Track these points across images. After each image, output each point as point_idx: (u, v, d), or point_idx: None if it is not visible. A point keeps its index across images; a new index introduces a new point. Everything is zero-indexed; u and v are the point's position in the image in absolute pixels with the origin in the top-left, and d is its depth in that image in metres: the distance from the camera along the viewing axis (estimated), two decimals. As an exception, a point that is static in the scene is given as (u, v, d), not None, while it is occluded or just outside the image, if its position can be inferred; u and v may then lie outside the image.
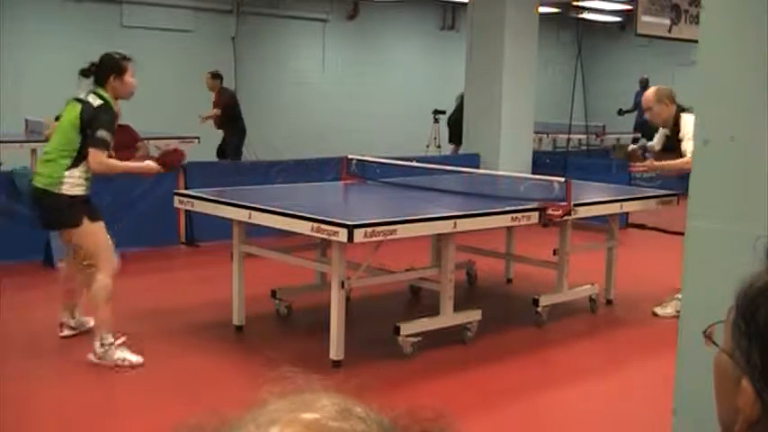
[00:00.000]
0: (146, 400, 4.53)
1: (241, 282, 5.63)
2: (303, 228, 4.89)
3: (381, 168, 7.09)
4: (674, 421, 2.79)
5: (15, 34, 11.92)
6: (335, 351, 4.91)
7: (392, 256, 5.67)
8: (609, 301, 6.64)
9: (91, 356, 4.94)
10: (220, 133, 11.40)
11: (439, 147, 13.46)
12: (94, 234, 4.99)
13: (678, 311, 7.12)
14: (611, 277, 6.63)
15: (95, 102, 4.92)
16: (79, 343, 5.33)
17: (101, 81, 5.02)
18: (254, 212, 5.23)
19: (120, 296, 6.75)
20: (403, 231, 4.87)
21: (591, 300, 6.42)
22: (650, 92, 6.47)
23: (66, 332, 5.35)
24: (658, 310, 6.38)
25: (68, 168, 4.88)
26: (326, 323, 4.96)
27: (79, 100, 4.97)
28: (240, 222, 5.53)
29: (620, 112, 15.79)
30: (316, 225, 4.76)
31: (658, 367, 4.11)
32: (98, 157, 4.84)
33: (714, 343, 0.96)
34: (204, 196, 5.76)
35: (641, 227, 9.58)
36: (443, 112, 13.49)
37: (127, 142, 8.56)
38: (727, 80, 2.65)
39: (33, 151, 9.92)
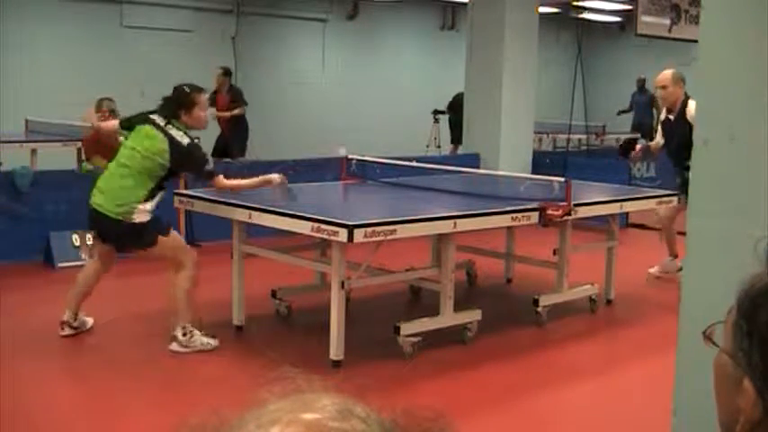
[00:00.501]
0: (146, 399, 4.53)
1: (241, 282, 5.63)
2: (303, 228, 4.89)
3: (381, 168, 7.09)
4: (674, 421, 2.79)
5: (15, 34, 11.92)
6: (335, 351, 4.91)
7: (392, 256, 5.67)
8: (609, 301, 6.64)
9: (174, 346, 5.09)
10: (218, 133, 11.38)
11: (439, 147, 13.47)
12: (169, 243, 5.12)
13: (665, 272, 7.44)
14: (611, 277, 6.63)
15: (183, 140, 5.00)
16: (79, 342, 5.33)
17: (173, 114, 5.06)
18: (254, 212, 5.24)
19: (121, 296, 6.77)
20: (403, 231, 4.87)
21: (591, 300, 6.42)
22: (668, 72, 6.82)
23: (67, 331, 5.35)
24: (651, 270, 7.22)
25: (144, 201, 4.97)
26: (326, 323, 4.96)
27: (159, 128, 5.01)
28: (240, 222, 5.53)
29: (619, 113, 15.85)
30: (316, 225, 4.76)
31: (658, 367, 4.11)
32: (219, 184, 5.20)
33: (714, 343, 0.96)
34: (204, 196, 5.76)
35: (641, 227, 9.58)
36: (443, 112, 13.50)
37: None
38: (727, 80, 2.65)
39: (33, 151, 9.94)
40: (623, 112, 15.81)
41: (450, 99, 13.07)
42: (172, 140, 4.96)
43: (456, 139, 12.53)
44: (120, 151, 5.18)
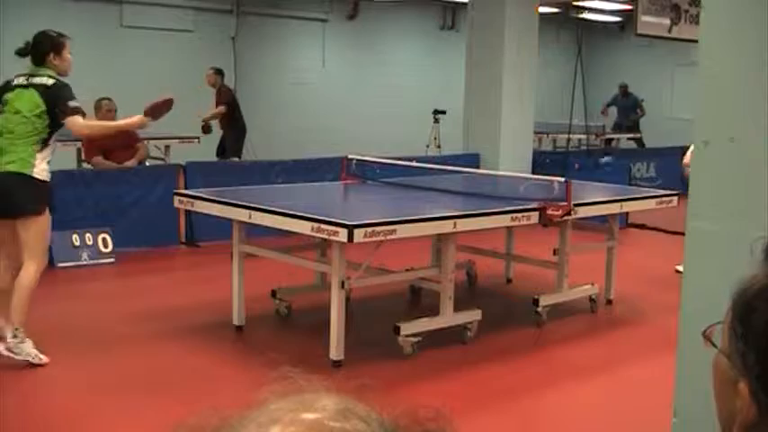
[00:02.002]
0: (146, 399, 4.53)
1: (241, 282, 5.63)
2: (303, 228, 4.89)
3: (381, 168, 7.10)
4: (674, 421, 2.80)
5: (15, 34, 11.90)
6: (335, 351, 4.91)
7: (392, 256, 5.67)
8: (609, 301, 6.64)
9: (1, 347, 4.83)
10: (220, 133, 11.38)
11: (439, 147, 13.46)
12: (43, 226, 4.90)
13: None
14: (611, 277, 6.63)
15: (48, 81, 4.84)
16: (77, 343, 5.32)
17: (39, 60, 4.92)
18: (254, 212, 5.24)
19: (121, 296, 6.77)
20: (403, 231, 4.87)
21: (591, 300, 6.42)
22: None
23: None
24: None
25: (39, 152, 4.81)
26: (326, 323, 4.96)
27: (26, 86, 4.85)
28: (240, 222, 5.53)
29: (607, 107, 16.20)
30: (316, 225, 4.77)
31: (658, 367, 4.11)
32: (79, 122, 4.86)
33: (713, 344, 0.96)
34: (204, 196, 5.76)
35: (641, 227, 9.58)
36: (444, 112, 13.48)
37: (126, 143, 8.61)
38: (726, 80, 2.65)
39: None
40: (609, 105, 16.20)
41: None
42: (38, 87, 4.83)
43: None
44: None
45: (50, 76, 4.86)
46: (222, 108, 11.03)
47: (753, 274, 0.92)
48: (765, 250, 0.94)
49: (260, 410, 0.66)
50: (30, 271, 4.81)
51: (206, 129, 10.91)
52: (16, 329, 4.81)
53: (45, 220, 4.89)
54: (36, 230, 4.85)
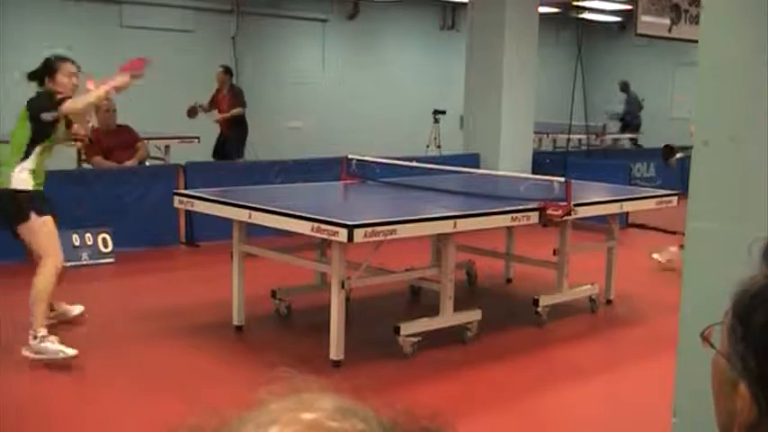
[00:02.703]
0: (146, 399, 4.53)
1: (241, 282, 5.63)
2: (303, 228, 4.89)
3: (381, 168, 7.09)
4: (674, 421, 2.79)
5: (15, 34, 11.92)
6: (335, 351, 4.91)
7: (392, 256, 5.67)
8: (609, 301, 6.64)
9: (25, 351, 4.88)
10: (217, 133, 11.36)
11: (439, 147, 13.46)
12: (43, 229, 5.00)
13: (668, 261, 7.53)
14: (611, 277, 6.63)
15: (34, 95, 5.12)
16: (78, 341, 5.33)
17: (39, 83, 5.19)
18: (254, 212, 5.24)
19: (121, 296, 6.77)
20: (403, 231, 4.87)
21: (591, 300, 6.42)
22: None
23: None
24: (656, 255, 7.49)
25: (18, 163, 4.97)
26: (326, 323, 4.96)
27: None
28: (240, 222, 5.53)
29: (612, 117, 16.28)
30: (316, 225, 4.76)
31: (658, 367, 4.11)
32: (67, 104, 4.98)
33: (711, 345, 0.95)
34: (204, 196, 5.76)
35: (641, 227, 9.58)
36: (443, 112, 13.49)
37: (127, 142, 8.61)
38: (726, 80, 2.64)
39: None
40: (617, 117, 16.25)
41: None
42: (28, 100, 5.09)
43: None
44: None
45: (42, 90, 5.10)
46: (241, 110, 11.08)
47: (752, 275, 0.92)
48: (763, 252, 0.94)
49: (258, 411, 0.66)
50: (43, 272, 4.92)
51: (192, 112, 10.79)
52: (36, 331, 4.86)
53: (39, 222, 4.98)
54: (34, 234, 4.98)
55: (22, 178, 4.96)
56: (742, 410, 0.89)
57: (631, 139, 16.06)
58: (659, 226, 9.25)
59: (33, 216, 4.96)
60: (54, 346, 4.88)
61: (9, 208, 5.01)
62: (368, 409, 0.67)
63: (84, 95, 5.07)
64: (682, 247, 7.18)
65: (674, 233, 7.96)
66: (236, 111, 11.04)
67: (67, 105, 5.00)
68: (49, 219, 5.04)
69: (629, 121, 16.12)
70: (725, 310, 0.93)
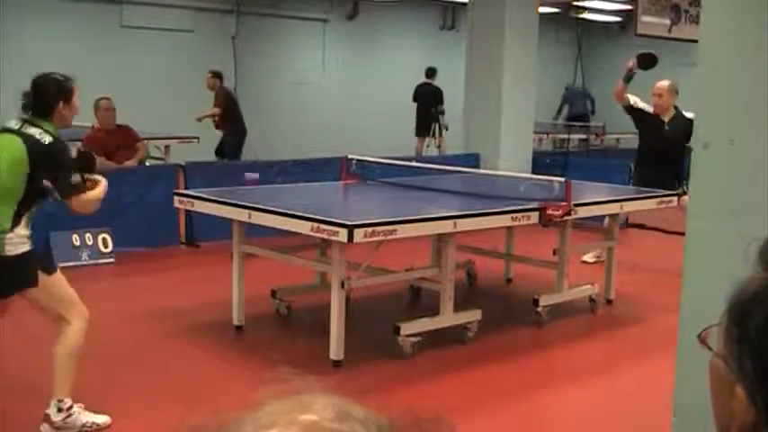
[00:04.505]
0: (145, 399, 4.53)
1: (241, 282, 5.63)
2: (303, 228, 4.89)
3: (381, 168, 7.09)
4: (674, 421, 2.79)
5: (15, 34, 11.92)
6: (335, 351, 4.91)
7: (392, 256, 5.67)
8: (609, 301, 6.64)
9: (46, 428, 4.01)
10: (219, 133, 11.39)
11: (439, 147, 13.47)
12: (55, 288, 4.07)
13: (597, 257, 7.51)
14: (611, 277, 6.63)
15: (44, 138, 3.88)
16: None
17: (45, 110, 3.96)
18: (254, 212, 5.24)
19: (121, 296, 6.77)
20: (403, 231, 4.87)
21: (591, 300, 6.42)
22: (665, 83, 7.70)
23: None
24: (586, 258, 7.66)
25: (13, 226, 3.85)
26: (326, 323, 4.96)
27: (14, 132, 3.91)
28: (240, 222, 5.53)
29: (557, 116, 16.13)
30: (316, 225, 4.76)
31: (658, 367, 4.11)
32: (78, 202, 3.97)
33: (708, 347, 0.95)
34: (204, 196, 5.76)
35: (641, 227, 9.58)
36: (443, 113, 13.51)
37: (127, 142, 8.61)
38: (726, 81, 2.64)
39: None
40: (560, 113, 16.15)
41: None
42: (28, 140, 3.87)
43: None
44: None
45: (48, 132, 3.91)
46: (217, 110, 11.08)
47: (749, 276, 0.92)
48: (759, 253, 0.94)
49: (258, 413, 0.66)
50: (67, 334, 4.05)
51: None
52: (60, 401, 4.00)
53: (47, 281, 4.02)
54: (50, 294, 4.06)
55: (20, 243, 3.90)
56: (740, 412, 0.89)
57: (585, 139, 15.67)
58: (659, 226, 9.24)
59: (43, 275, 3.99)
60: (83, 418, 4.08)
61: (12, 276, 3.97)
62: (368, 412, 0.67)
63: (91, 195, 4.00)
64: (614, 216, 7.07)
65: (674, 233, 7.95)
66: (209, 111, 11.10)
67: (84, 202, 4.01)
68: (59, 273, 4.13)
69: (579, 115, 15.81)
70: (723, 310, 0.93)
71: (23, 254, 3.90)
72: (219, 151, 11.31)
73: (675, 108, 7.59)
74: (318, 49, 15.62)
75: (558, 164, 10.42)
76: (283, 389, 0.69)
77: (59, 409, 4.00)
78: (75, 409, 4.05)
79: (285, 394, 0.68)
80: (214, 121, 11.21)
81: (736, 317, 0.90)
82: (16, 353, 4.99)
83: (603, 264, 6.91)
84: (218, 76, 11.32)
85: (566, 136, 14.47)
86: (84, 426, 4.06)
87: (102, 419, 4.15)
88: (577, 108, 15.97)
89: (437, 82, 13.97)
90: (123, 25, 13.05)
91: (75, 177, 3.96)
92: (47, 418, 4.00)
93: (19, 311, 4.44)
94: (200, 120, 11.02)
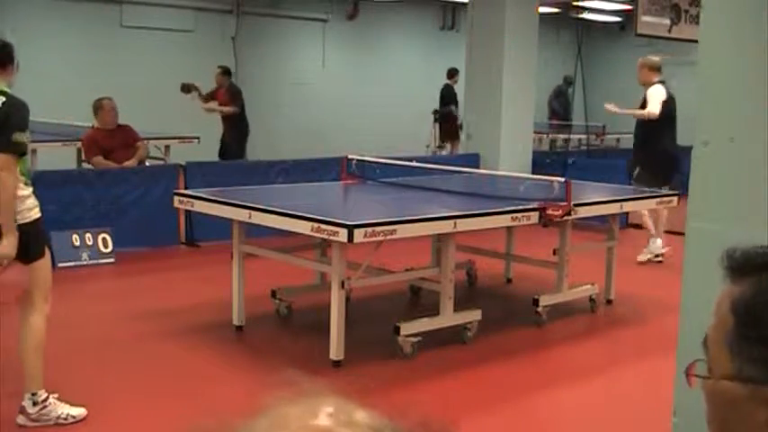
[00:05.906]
0: (145, 399, 4.53)
1: (241, 282, 5.63)
2: (303, 228, 4.89)
3: (381, 168, 7.09)
4: (674, 421, 2.80)
5: (15, 34, 11.91)
6: (335, 351, 4.91)
7: (392, 256, 5.67)
8: (609, 301, 6.64)
9: (22, 419, 4.01)
10: (219, 134, 11.36)
11: (438, 147, 13.48)
12: (46, 266, 4.12)
13: (654, 255, 7.75)
14: (611, 277, 6.63)
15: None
16: (78, 343, 5.33)
17: None
18: (254, 212, 5.24)
19: (121, 296, 6.77)
20: (403, 231, 4.87)
21: (591, 300, 6.42)
22: (641, 58, 8.38)
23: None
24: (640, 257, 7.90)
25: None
26: (326, 323, 4.96)
27: None
28: (240, 222, 5.53)
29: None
30: (316, 225, 4.76)
31: (658, 367, 4.11)
32: (7, 164, 3.77)
33: (701, 377, 0.93)
34: (204, 196, 5.76)
35: (641, 227, 9.57)
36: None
37: (127, 142, 8.61)
38: (726, 80, 2.65)
39: (33, 151, 9.90)
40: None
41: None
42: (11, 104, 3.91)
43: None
44: None
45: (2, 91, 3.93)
46: (236, 109, 11.02)
47: (747, 279, 0.90)
48: (725, 265, 0.93)
49: (267, 417, 0.66)
50: (31, 329, 4.05)
51: (186, 89, 10.65)
52: (33, 395, 4.02)
53: (47, 258, 4.10)
54: (47, 271, 4.12)
55: (32, 204, 3.94)
56: None
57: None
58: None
59: (43, 258, 4.03)
60: (58, 410, 4.08)
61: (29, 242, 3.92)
62: (381, 419, 0.66)
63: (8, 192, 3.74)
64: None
65: (674, 233, 7.95)
66: (226, 109, 10.97)
67: (6, 177, 3.75)
68: (48, 255, 4.13)
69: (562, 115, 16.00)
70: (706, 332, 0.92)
71: (37, 222, 3.95)
72: (222, 155, 11.25)
73: (662, 83, 8.06)
74: (318, 49, 15.63)
75: (558, 164, 10.42)
76: (292, 392, 0.68)
77: (34, 403, 4.03)
78: (51, 400, 4.08)
79: (294, 398, 0.67)
80: (223, 119, 11.14)
81: (752, 320, 0.88)
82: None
83: (661, 263, 7.44)
84: (227, 72, 11.28)
85: (566, 136, 14.48)
86: (59, 417, 4.08)
87: (77, 411, 4.15)
88: (552, 107, 16.23)
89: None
90: (123, 25, 13.05)
91: (19, 137, 3.85)
92: (23, 410, 4.04)
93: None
94: (207, 109, 10.91)
